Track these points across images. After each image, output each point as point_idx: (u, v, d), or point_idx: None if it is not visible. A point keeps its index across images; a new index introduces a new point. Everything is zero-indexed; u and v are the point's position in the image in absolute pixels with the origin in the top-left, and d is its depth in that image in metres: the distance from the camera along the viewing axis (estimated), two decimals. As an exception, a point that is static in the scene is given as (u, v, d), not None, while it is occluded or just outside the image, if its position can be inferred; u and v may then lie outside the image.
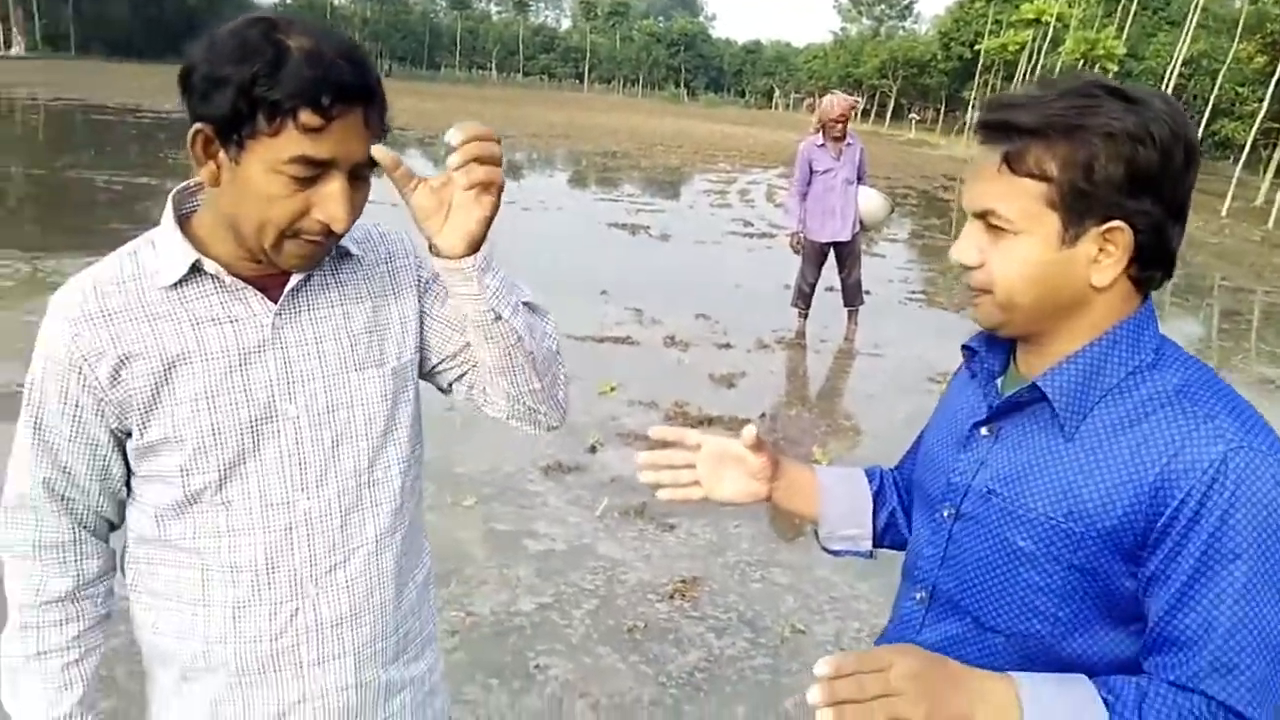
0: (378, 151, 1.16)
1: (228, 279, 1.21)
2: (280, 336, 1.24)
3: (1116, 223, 1.03)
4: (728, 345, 7.20)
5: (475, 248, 1.22)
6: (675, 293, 8.71)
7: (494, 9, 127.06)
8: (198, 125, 1.12)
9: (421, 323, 1.39)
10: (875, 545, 1.47)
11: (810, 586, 3.77)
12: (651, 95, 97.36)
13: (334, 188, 1.14)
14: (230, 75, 1.07)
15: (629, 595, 3.59)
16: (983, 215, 1.09)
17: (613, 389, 5.84)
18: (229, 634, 1.27)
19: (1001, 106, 1.08)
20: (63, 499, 1.24)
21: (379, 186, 1.21)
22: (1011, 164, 1.05)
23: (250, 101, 1.08)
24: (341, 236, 1.21)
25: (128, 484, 1.28)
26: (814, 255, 7.59)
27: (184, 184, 1.26)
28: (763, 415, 5.74)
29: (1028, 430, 1.14)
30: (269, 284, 1.24)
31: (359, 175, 1.17)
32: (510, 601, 3.47)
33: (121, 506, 1.30)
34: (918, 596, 1.25)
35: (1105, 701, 1.00)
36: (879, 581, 3.74)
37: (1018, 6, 39.30)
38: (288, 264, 1.20)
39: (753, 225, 13.78)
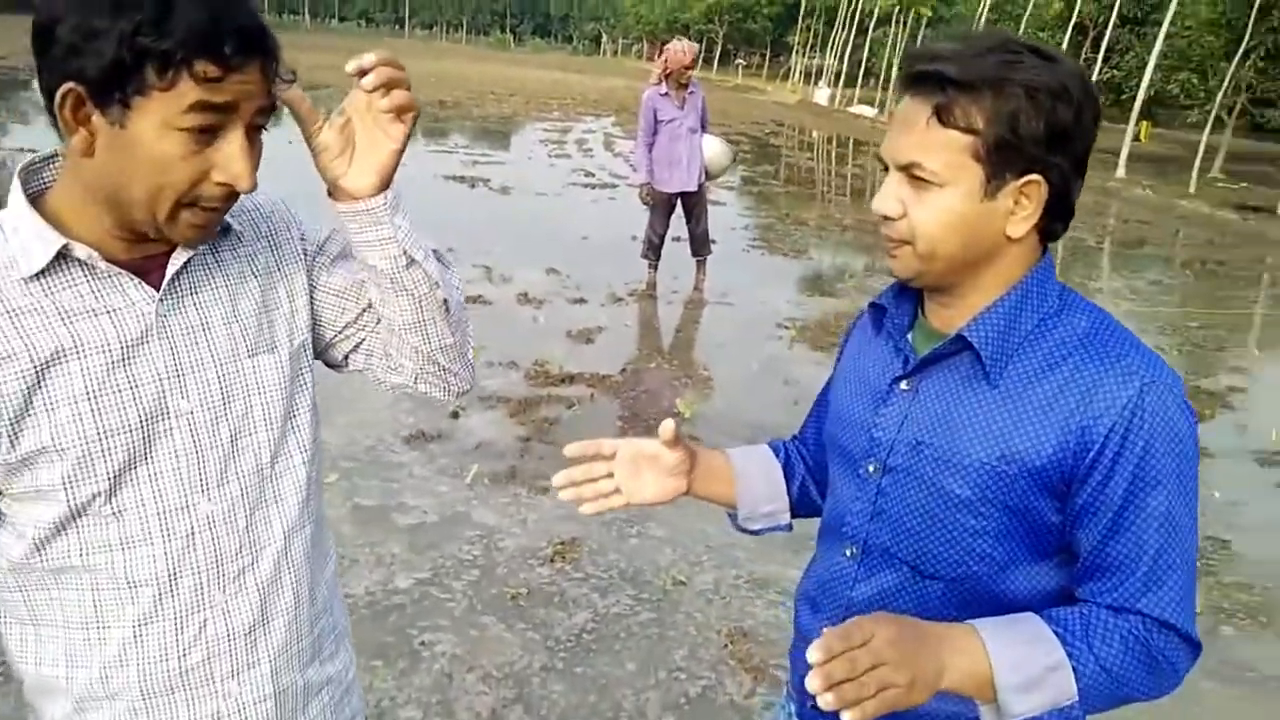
0: (288, 94, 1.07)
1: (101, 265, 1.08)
2: (165, 325, 1.13)
3: (1034, 176, 1.07)
4: (581, 300, 7.17)
5: (386, 183, 1.16)
6: (522, 247, 8.58)
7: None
8: (67, 85, 0.98)
9: (311, 297, 1.29)
10: (792, 516, 1.49)
11: (686, 538, 3.83)
12: (476, 41, 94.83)
13: (235, 145, 1.03)
14: (107, 27, 0.94)
15: (509, 562, 3.56)
16: (906, 168, 1.11)
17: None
18: (130, 655, 1.16)
19: (930, 59, 1.08)
20: None
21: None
22: (941, 116, 1.06)
23: (136, 53, 0.95)
24: (236, 200, 1.10)
25: None
26: (663, 206, 7.61)
27: (30, 159, 1.12)
28: (623, 370, 5.76)
29: (949, 381, 1.17)
30: (144, 267, 1.12)
31: (255, 127, 1.07)
32: (386, 579, 3.37)
33: None
34: (848, 553, 1.28)
35: (1056, 634, 1.07)
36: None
37: (836, -47, 40.34)
38: (181, 237, 1.08)
39: (594, 175, 13.71)
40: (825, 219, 12.28)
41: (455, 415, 4.81)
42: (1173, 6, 18.57)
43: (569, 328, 6.43)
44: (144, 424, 1.11)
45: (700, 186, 7.64)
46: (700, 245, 7.94)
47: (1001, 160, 1.06)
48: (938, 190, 1.08)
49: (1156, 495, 1.06)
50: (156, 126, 0.99)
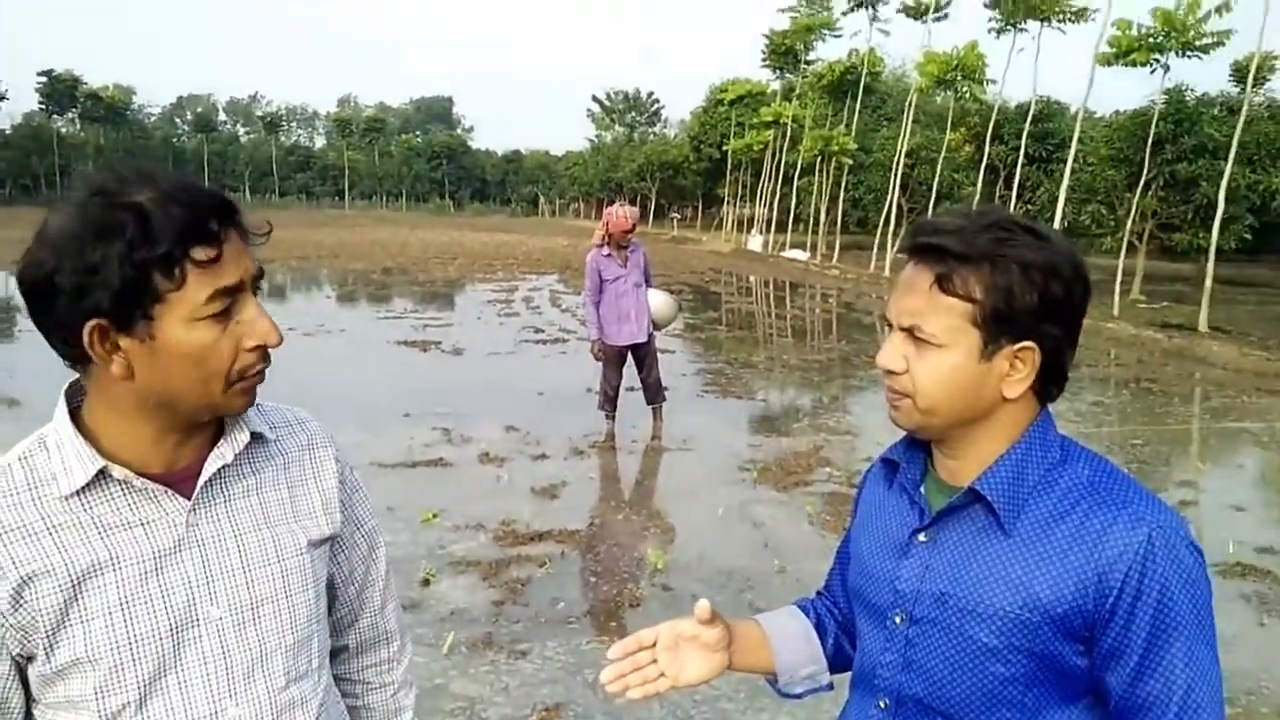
0: None
1: (138, 482, 1.11)
2: (196, 534, 1.16)
3: (1028, 343, 1.16)
4: (543, 455, 7.18)
5: None
6: (480, 407, 8.62)
7: (242, 130, 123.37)
8: (91, 323, 1.03)
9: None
10: (832, 672, 1.49)
11: (673, 693, 3.74)
12: (417, 208, 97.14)
13: (251, 310, 1.11)
14: (104, 257, 1.00)
15: (494, 733, 3.45)
16: (909, 329, 1.19)
17: (434, 516, 5.66)
18: None
19: (933, 232, 1.17)
20: None
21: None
22: (942, 285, 1.15)
23: (139, 269, 1.01)
24: (268, 361, 1.15)
25: (27, 714, 1.13)
26: (614, 359, 7.77)
27: (75, 379, 1.16)
28: (591, 524, 5.74)
29: (965, 532, 1.22)
30: (177, 478, 1.15)
31: (255, 289, 1.14)
32: (368, 762, 3.23)
33: None
34: (881, 704, 1.29)
35: None
36: (736, 678, 3.79)
37: (756, 110, 42.63)
38: (238, 407, 1.14)
39: (544, 331, 13.94)
40: (771, 360, 12.56)
41: (426, 583, 4.73)
42: (1074, 146, 19.89)
43: (533, 484, 6.42)
44: (174, 632, 1.13)
45: (649, 337, 7.84)
46: (654, 394, 8.07)
47: (997, 327, 1.15)
48: (938, 350, 1.16)
49: (1178, 636, 1.11)
50: (183, 323, 1.05)
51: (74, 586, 1.08)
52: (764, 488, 6.60)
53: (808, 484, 6.69)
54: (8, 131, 79.76)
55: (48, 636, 1.07)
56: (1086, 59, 18.85)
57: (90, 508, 1.10)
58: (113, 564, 1.10)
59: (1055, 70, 26.10)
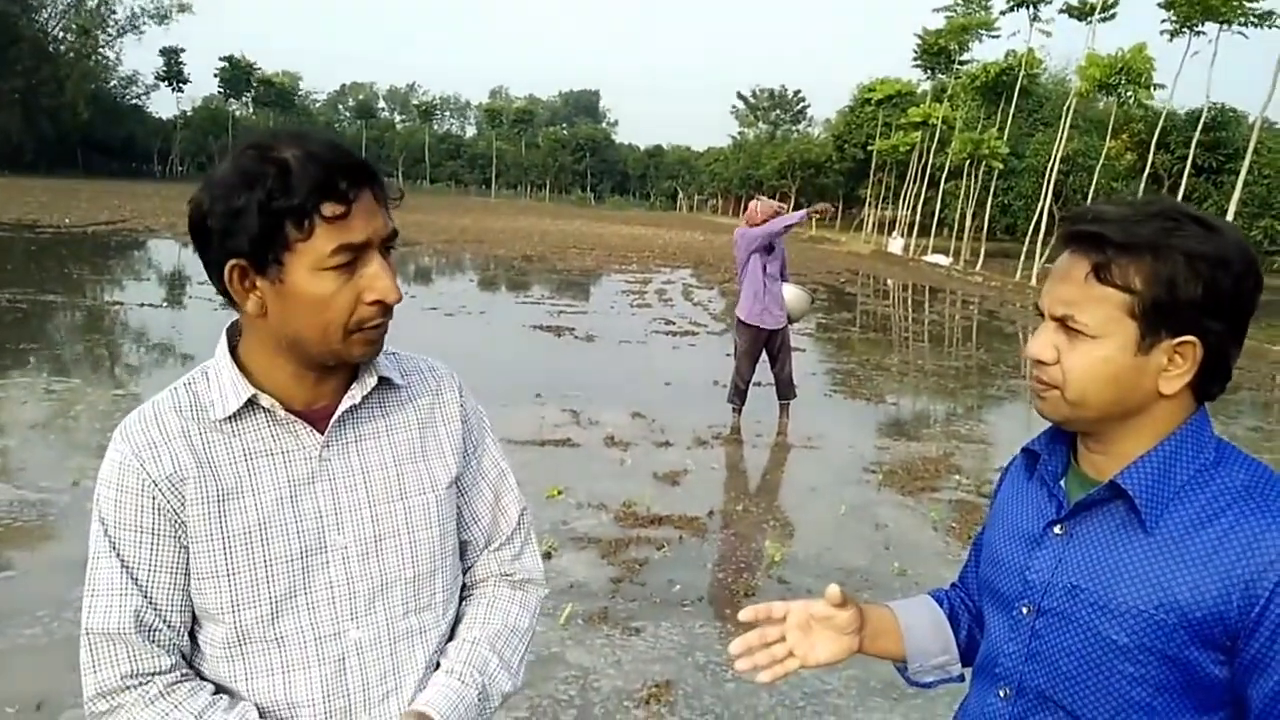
0: None
1: (281, 413, 1.23)
2: (328, 468, 1.26)
3: (1189, 337, 1.10)
4: (667, 443, 7.26)
5: None
6: (608, 393, 8.78)
7: (398, 118, 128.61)
8: (231, 263, 1.14)
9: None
10: (963, 665, 1.48)
11: (782, 683, 3.75)
12: (559, 199, 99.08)
13: (375, 266, 1.18)
14: (246, 203, 1.11)
15: (605, 703, 3.54)
16: (1062, 318, 1.15)
17: (559, 492, 5.81)
18: None
19: (1093, 220, 1.13)
20: (150, 630, 1.21)
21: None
22: (1099, 274, 1.11)
23: (274, 217, 1.11)
24: (390, 315, 1.23)
25: None
26: (751, 350, 7.79)
27: (236, 318, 1.29)
28: (710, 512, 5.78)
29: (1103, 527, 1.18)
30: (316, 416, 1.26)
31: (386, 250, 1.22)
32: (484, 717, 3.37)
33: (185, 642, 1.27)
34: (1001, 694, 1.27)
35: None
36: (847, 674, 3.77)
37: (905, 110, 41.59)
38: (357, 355, 1.22)
39: (674, 324, 14.04)
40: (904, 364, 12.29)
41: (548, 555, 4.87)
42: (1249, 157, 18.66)
43: (655, 470, 6.51)
44: (304, 555, 1.24)
45: (784, 329, 7.85)
46: (785, 389, 8.05)
47: (1157, 320, 1.09)
48: (1092, 341, 1.12)
49: None
50: (308, 272, 1.15)
51: (219, 502, 1.20)
52: (889, 490, 6.49)
53: (935, 490, 6.55)
54: (189, 113, 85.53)
55: (194, 545, 1.20)
56: (1269, 64, 17.65)
57: (239, 433, 1.22)
58: (253, 488, 1.22)
59: (1232, 76, 24.50)
